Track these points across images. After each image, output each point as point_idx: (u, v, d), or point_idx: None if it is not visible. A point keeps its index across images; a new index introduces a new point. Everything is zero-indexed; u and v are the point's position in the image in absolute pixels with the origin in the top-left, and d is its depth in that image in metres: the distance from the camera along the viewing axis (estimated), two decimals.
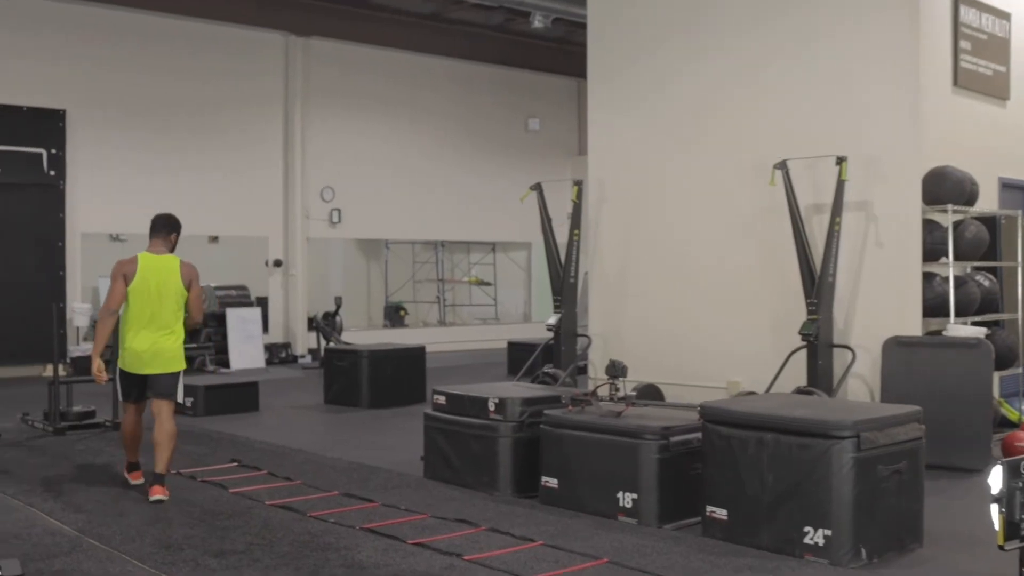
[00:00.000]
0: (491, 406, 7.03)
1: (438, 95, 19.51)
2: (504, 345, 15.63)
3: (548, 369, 9.90)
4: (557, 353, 10.02)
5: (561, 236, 10.15)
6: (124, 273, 6.81)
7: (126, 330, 6.85)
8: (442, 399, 7.45)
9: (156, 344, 6.83)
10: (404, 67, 18.98)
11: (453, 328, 20.81)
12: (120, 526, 6.08)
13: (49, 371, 14.41)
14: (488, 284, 22.42)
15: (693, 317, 9.68)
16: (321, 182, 17.93)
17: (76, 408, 9.80)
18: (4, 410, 10.40)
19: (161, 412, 6.88)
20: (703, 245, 9.65)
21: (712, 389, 9.04)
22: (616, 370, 6.73)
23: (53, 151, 14.86)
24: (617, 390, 6.75)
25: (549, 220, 10.24)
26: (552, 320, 9.99)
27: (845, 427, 5.31)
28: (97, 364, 6.67)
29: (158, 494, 6.59)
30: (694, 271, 9.72)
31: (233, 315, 15.93)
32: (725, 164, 9.48)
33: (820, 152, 8.48)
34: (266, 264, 17.53)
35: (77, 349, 15.05)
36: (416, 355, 12.06)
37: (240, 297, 16.35)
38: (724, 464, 5.78)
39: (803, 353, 8.53)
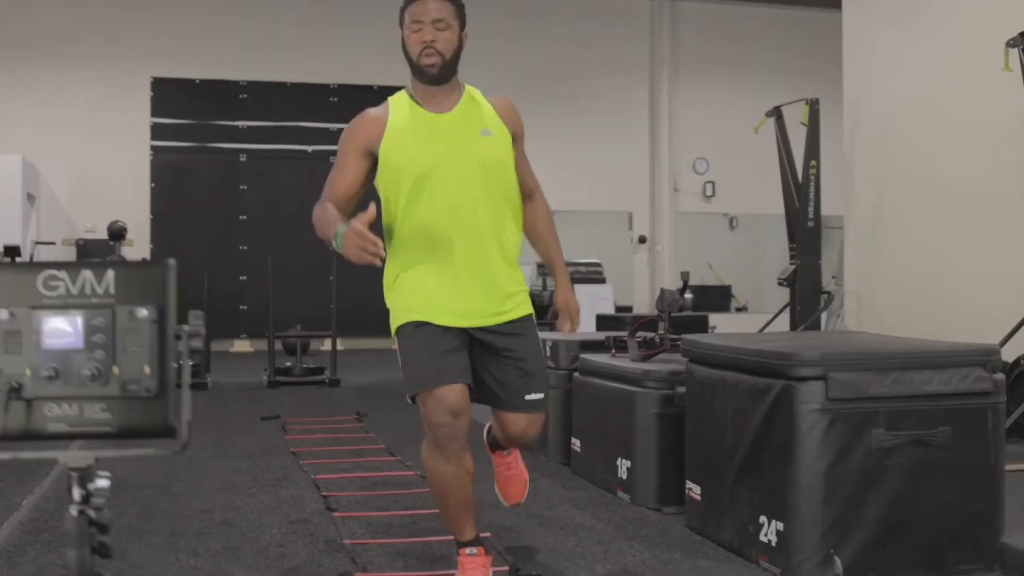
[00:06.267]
0: (547, 351, 5.67)
1: (831, 57, 17.32)
2: None
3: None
4: (792, 313, 8.11)
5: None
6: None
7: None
8: None
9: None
10: (788, 24, 17.08)
11: None
12: None
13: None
14: None
15: (961, 270, 7.31)
16: (692, 153, 16.64)
17: None
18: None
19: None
20: (974, 178, 7.25)
21: None
22: (664, 303, 5.09)
23: None
24: (668, 328, 5.09)
25: (789, 153, 8.34)
26: (784, 272, 8.11)
27: (808, 363, 3.42)
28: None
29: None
30: (961, 209, 7.35)
31: (583, 292, 15.14)
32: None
33: None
34: (631, 240, 16.62)
35: None
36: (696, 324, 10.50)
37: (590, 273, 15.58)
38: (699, 422, 4.05)
39: None
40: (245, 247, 14.50)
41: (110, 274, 1.32)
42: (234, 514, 4.35)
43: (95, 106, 13.84)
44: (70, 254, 13.36)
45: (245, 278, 14.22)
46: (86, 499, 1.39)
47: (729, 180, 16.70)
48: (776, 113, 8.55)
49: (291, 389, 9.11)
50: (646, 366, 4.63)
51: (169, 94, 14.27)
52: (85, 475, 1.39)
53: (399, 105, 3.20)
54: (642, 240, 16.58)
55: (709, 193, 16.77)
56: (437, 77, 3.13)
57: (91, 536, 1.38)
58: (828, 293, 8.09)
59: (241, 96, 14.54)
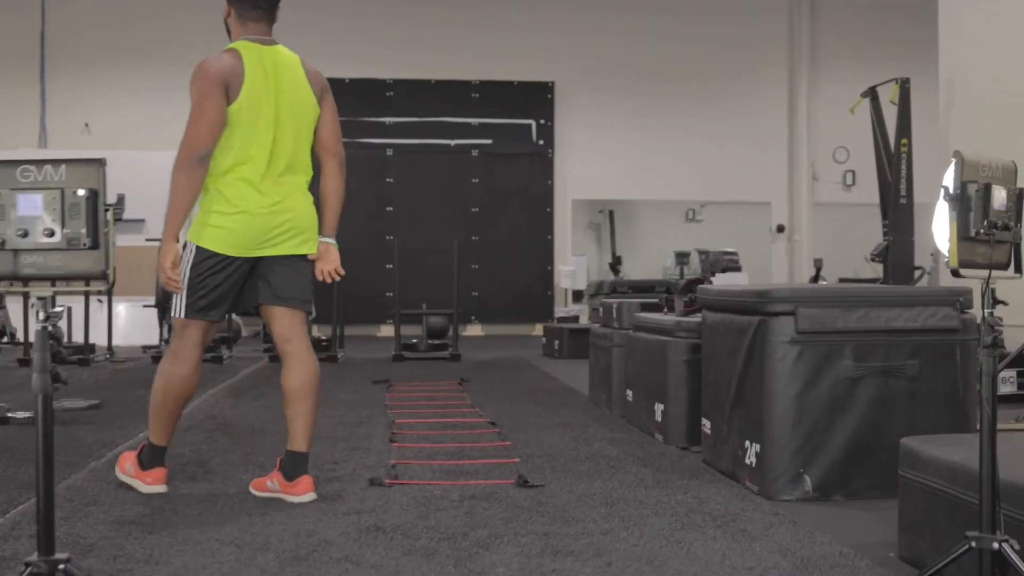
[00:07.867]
0: (613, 312, 6.14)
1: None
2: None
3: None
4: None
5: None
6: (226, 80, 3.90)
7: (228, 181, 3.76)
8: (601, 309, 6.67)
9: (286, 203, 3.79)
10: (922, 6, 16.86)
11: None
12: None
13: (538, 330, 15.29)
14: None
15: None
16: (832, 143, 16.65)
17: None
18: None
19: (295, 335, 3.86)
20: None
21: None
22: (708, 264, 5.50)
23: (542, 121, 15.73)
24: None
25: (884, 134, 8.51)
26: (876, 248, 8.29)
27: (778, 300, 3.81)
28: (173, 255, 3.48)
29: (308, 491, 3.80)
30: None
31: (719, 279, 15.46)
32: None
33: None
34: (769, 230, 16.75)
35: (562, 310, 15.75)
36: None
37: (727, 261, 15.77)
38: (709, 362, 4.46)
39: None
40: (391, 237, 15.34)
41: (63, 167, 1.94)
42: None
43: None
44: None
45: (391, 266, 15.03)
46: (47, 319, 2.00)
47: (872, 169, 16.61)
48: (871, 94, 8.73)
49: (413, 362, 9.80)
50: (680, 318, 5.05)
51: None
52: (47, 302, 2.00)
53: None
54: (780, 229, 16.70)
55: (849, 182, 16.74)
56: None
57: (51, 347, 1.99)
58: (921, 269, 8.24)
59: (388, 94, 15.41)
